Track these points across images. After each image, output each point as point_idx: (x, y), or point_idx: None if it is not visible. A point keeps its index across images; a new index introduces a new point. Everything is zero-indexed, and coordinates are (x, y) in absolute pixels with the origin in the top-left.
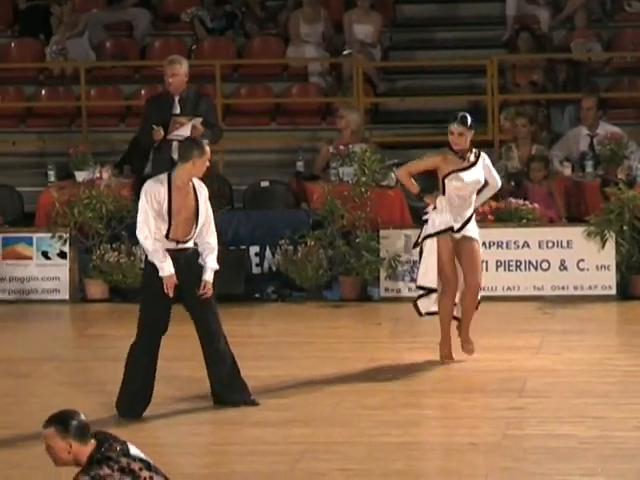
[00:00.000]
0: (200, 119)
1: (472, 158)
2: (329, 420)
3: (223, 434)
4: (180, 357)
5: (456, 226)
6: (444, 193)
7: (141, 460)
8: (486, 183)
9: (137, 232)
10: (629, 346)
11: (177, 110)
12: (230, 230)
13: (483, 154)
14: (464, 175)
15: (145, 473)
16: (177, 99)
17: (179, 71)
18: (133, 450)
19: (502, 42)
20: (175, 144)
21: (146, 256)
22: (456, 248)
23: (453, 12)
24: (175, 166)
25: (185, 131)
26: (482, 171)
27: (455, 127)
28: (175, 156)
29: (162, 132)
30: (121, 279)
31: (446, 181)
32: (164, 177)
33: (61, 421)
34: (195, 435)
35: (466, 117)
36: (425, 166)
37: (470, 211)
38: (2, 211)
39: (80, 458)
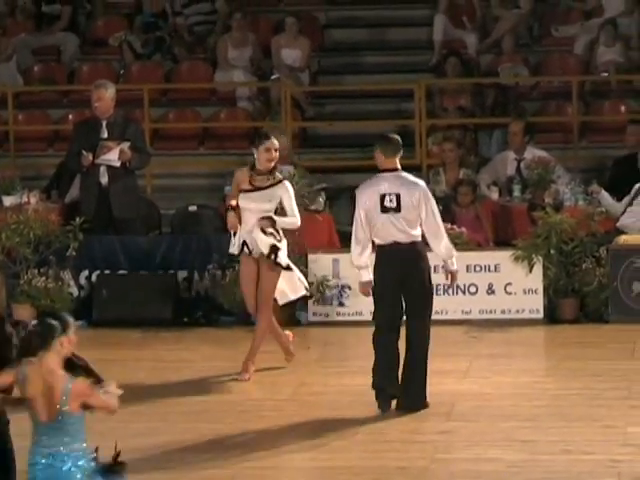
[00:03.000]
0: (128, 143)
1: (265, 182)
2: (258, 445)
3: (150, 459)
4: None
5: (251, 246)
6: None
7: None
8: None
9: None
10: (557, 369)
11: (105, 135)
12: (158, 254)
13: (286, 183)
14: (248, 197)
15: None
16: (105, 124)
17: (104, 95)
18: None
19: (430, 66)
20: (103, 168)
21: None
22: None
23: (381, 37)
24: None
25: (113, 155)
26: (272, 198)
27: (272, 143)
28: (103, 180)
29: (90, 157)
30: (49, 304)
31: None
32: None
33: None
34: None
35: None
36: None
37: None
38: None
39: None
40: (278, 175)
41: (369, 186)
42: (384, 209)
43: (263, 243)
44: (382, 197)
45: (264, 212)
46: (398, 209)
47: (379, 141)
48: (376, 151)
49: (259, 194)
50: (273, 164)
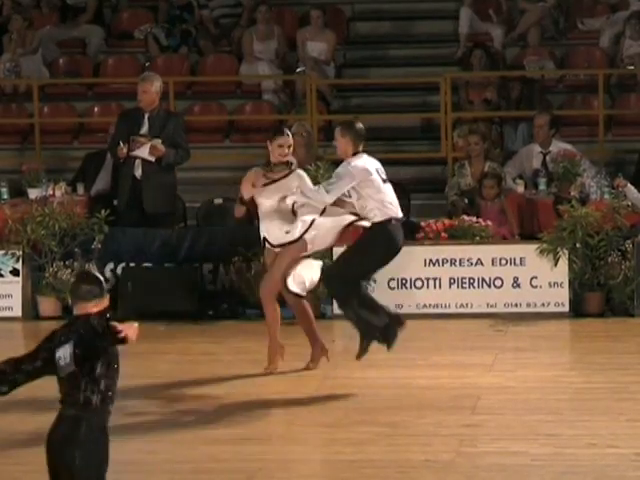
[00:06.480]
0: (159, 140)
1: (278, 174)
2: (283, 438)
3: (177, 452)
4: (137, 375)
5: (271, 239)
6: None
7: None
8: None
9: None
10: (582, 363)
11: (145, 127)
12: (183, 247)
13: (299, 172)
14: (264, 190)
15: None
16: (147, 116)
17: (149, 89)
18: None
19: (455, 59)
20: (138, 162)
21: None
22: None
23: (406, 30)
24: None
25: (143, 151)
26: (288, 190)
27: (285, 139)
28: (137, 173)
29: (125, 150)
30: None
31: (256, 196)
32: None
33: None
34: (149, 453)
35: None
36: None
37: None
38: None
39: None
40: (292, 167)
41: (364, 160)
42: (384, 180)
43: (276, 237)
44: (377, 170)
45: (282, 206)
46: (388, 181)
47: (349, 129)
48: (345, 138)
49: (275, 187)
50: (286, 158)
